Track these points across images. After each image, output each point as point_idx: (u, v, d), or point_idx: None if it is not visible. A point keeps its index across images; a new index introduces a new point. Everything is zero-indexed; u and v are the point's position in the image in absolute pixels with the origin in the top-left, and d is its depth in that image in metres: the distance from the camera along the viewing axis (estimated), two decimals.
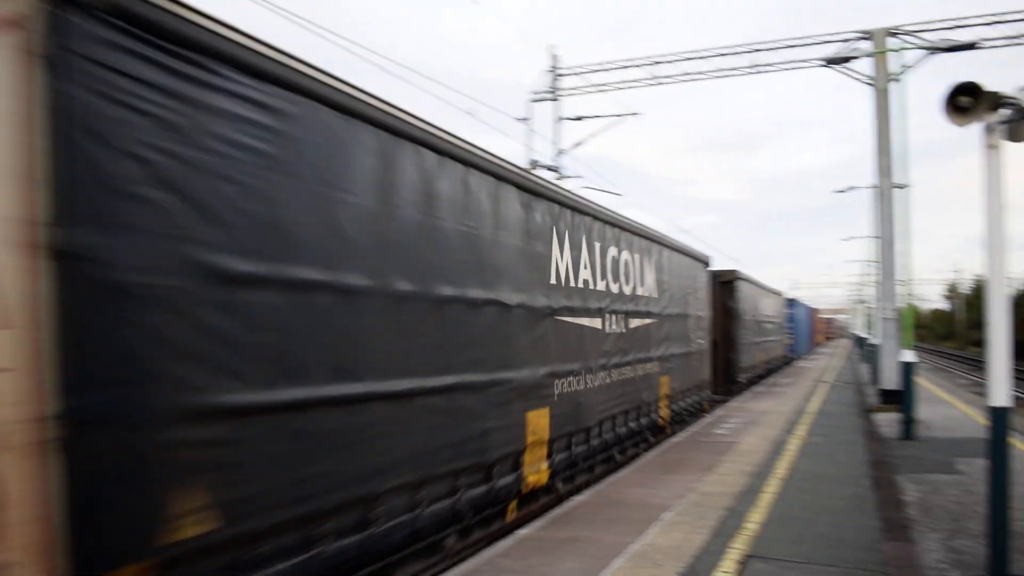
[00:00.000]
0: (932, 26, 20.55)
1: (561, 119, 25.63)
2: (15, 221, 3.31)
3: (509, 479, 7.70)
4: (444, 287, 6.47)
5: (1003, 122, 6.13)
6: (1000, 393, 6.14)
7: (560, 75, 25.18)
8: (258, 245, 4.71)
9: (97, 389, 3.72)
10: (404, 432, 5.96)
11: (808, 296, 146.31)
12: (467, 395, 6.83)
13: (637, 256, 11.60)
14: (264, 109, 4.85)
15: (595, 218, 9.85)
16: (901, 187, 16.52)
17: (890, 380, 19.90)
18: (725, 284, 22.56)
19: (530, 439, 8.06)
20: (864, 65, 20.61)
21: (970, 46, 20.27)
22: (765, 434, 15.75)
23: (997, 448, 6.30)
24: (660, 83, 23.61)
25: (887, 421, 17.73)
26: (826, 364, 44.70)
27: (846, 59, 19.56)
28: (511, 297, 7.61)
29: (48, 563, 3.28)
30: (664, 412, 13.65)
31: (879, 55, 20.14)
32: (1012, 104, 6.11)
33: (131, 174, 4.05)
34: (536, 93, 25.36)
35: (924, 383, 29.59)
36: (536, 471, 8.31)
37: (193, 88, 4.44)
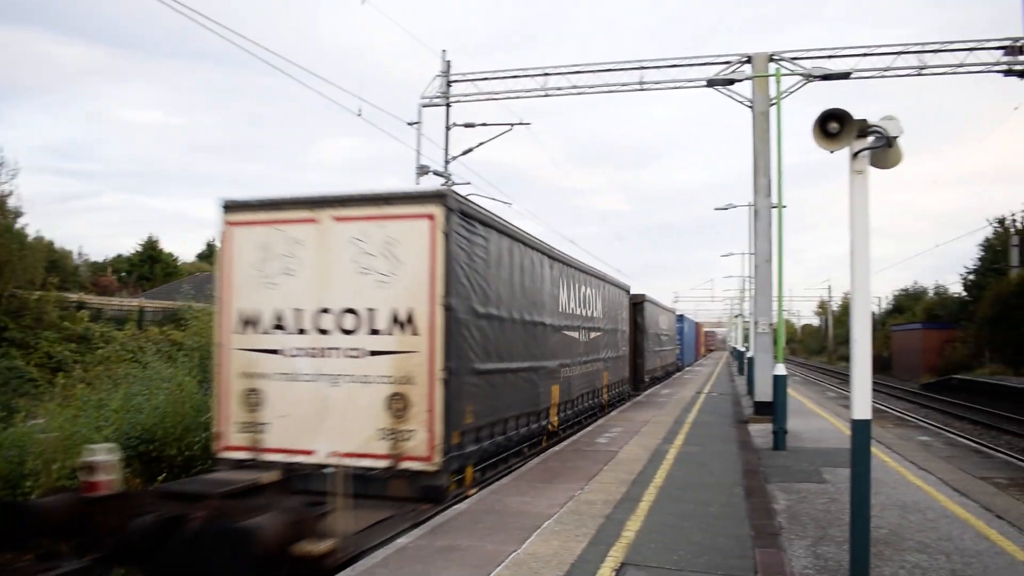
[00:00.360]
0: (810, 53, 21.56)
1: (452, 125, 25.69)
2: (436, 295, 8.40)
3: (544, 422, 13.46)
4: (526, 315, 11.95)
5: (869, 148, 6.48)
6: (862, 406, 6.48)
7: (452, 81, 25.22)
8: (485, 299, 9.98)
9: (452, 360, 8.58)
10: (516, 389, 11.49)
11: (688, 309, 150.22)
12: (533, 373, 12.38)
13: (592, 290, 17.65)
14: (485, 239, 10.16)
15: (576, 268, 15.81)
16: (776, 207, 17.23)
17: (763, 392, 20.69)
18: (636, 305, 28.16)
19: (552, 401, 14.01)
20: (746, 88, 21.44)
21: (844, 76, 21.36)
22: (645, 443, 16.12)
23: (859, 458, 6.63)
24: (550, 95, 23.95)
25: (760, 432, 18.43)
26: (706, 375, 46.11)
27: (729, 81, 20.29)
28: (547, 319, 13.28)
29: (430, 430, 8.02)
30: (605, 396, 20.21)
31: (758, 79, 20.99)
32: (877, 132, 6.46)
33: (459, 273, 9.05)
34: (427, 98, 25.33)
35: (796, 396, 30.86)
36: (553, 421, 14.36)
37: (472, 234, 9.61)
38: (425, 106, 25.23)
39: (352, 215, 8.70)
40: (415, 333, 8.52)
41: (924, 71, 21.80)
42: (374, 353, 8.48)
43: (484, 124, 25.69)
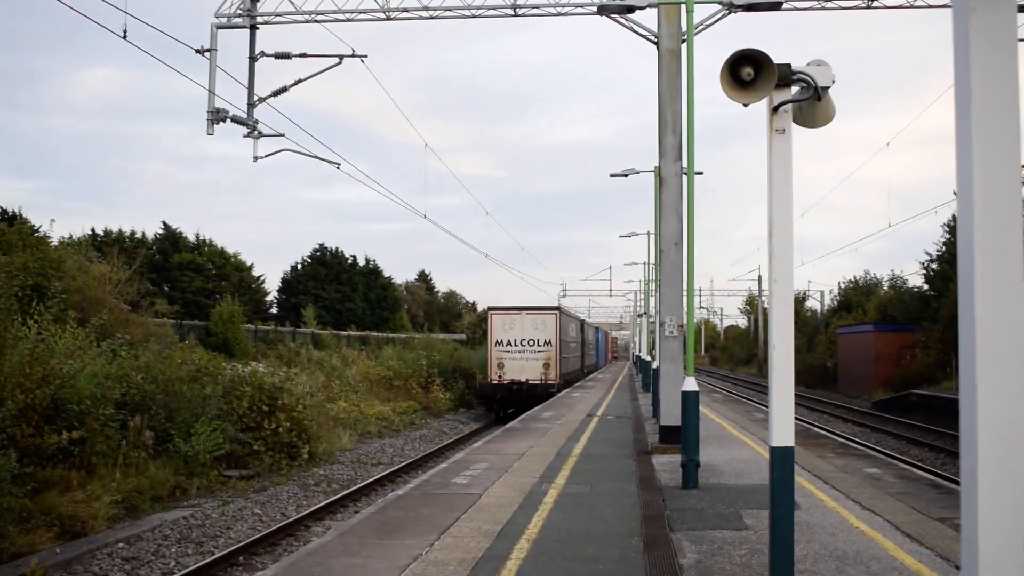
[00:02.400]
0: None
1: (259, 55, 25.17)
2: (556, 336, 48.68)
3: (584, 366, 66.97)
4: (571, 341, 56.80)
5: (792, 101, 6.69)
6: (782, 429, 6.80)
7: None
8: (565, 338, 51.84)
9: (560, 355, 48.43)
10: (570, 362, 55.40)
11: (580, 306, 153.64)
12: (589, 357, 74.83)
13: (575, 324, 59.64)
14: (568, 317, 56.70)
15: (580, 320, 65.97)
16: (687, 174, 17.77)
17: (671, 414, 21.33)
18: (582, 324, 67.20)
19: (575, 367, 59.86)
20: (650, 18, 21.97)
21: (775, 5, 22.09)
22: (517, 483, 16.39)
23: (780, 497, 6.96)
24: (393, 18, 23.91)
25: (667, 465, 19.00)
26: (602, 392, 47.08)
27: (627, 8, 20.65)
28: (579, 344, 62.45)
29: (556, 373, 46.23)
30: (578, 373, 61.92)
31: (667, 6, 21.48)
32: (803, 80, 6.68)
33: (561, 330, 50.23)
34: (224, 16, 24.82)
35: (714, 417, 31.91)
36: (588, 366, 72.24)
37: (566, 317, 54.61)
38: (221, 27, 24.70)
39: (531, 312, 47.20)
40: (550, 347, 45.94)
41: (874, 4, 22.87)
42: (537, 351, 45.94)
43: (304, 55, 25.29)
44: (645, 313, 60.48)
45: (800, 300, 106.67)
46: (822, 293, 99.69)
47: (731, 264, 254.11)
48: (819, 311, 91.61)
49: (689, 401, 16.61)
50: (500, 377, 46.34)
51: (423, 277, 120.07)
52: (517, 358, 47.09)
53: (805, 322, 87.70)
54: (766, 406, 44.24)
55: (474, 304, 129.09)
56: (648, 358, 50.85)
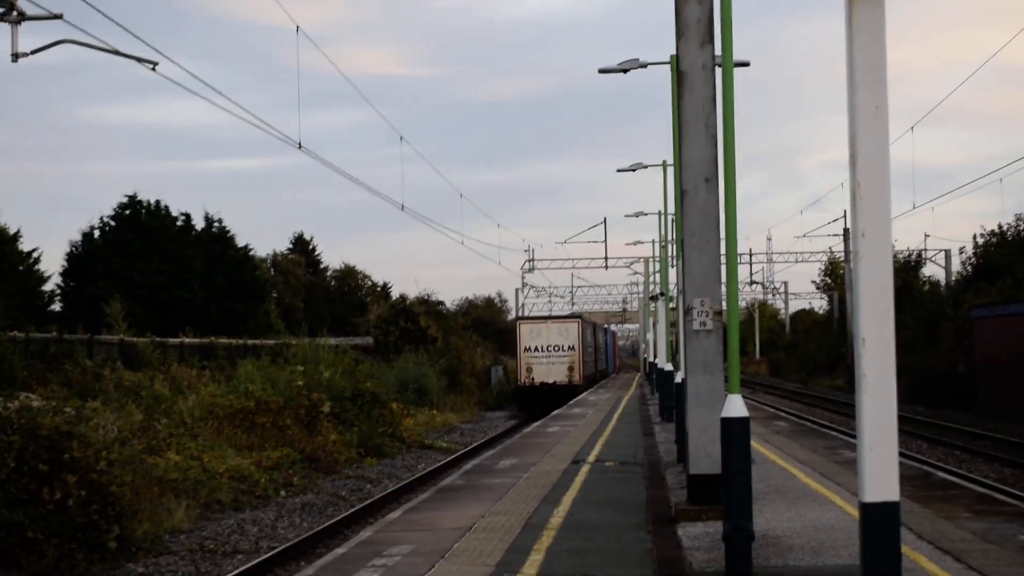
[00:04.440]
0: None
1: None
2: (578, 341, 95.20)
3: (602, 368, 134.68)
4: (589, 345, 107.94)
5: None
6: (879, 474, 6.79)
7: None
8: (585, 343, 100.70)
9: (583, 359, 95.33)
10: (591, 362, 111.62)
11: (558, 283, 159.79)
12: (600, 362, 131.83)
13: (591, 329, 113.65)
14: (588, 324, 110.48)
15: (593, 324, 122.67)
16: (726, 65, 17.74)
17: (705, 455, 21.37)
18: (594, 328, 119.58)
19: (598, 368, 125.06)
20: None
21: None
22: None
23: None
24: None
25: (701, 539, 19.10)
26: (598, 419, 47.12)
27: None
28: (596, 347, 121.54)
29: (579, 375, 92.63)
30: (596, 375, 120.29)
31: None
32: None
33: (583, 335, 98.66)
34: None
35: (777, 459, 32.06)
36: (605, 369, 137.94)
37: (584, 323, 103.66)
38: None
39: (555, 321, 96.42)
40: (573, 351, 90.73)
41: None
42: (562, 356, 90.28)
43: None
44: (662, 294, 60.23)
45: (910, 265, 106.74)
46: (947, 254, 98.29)
47: (799, 211, 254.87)
48: (943, 282, 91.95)
49: (735, 434, 16.64)
50: (532, 380, 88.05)
51: (302, 246, 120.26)
52: (544, 362, 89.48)
53: (921, 301, 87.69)
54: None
55: (385, 288, 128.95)
56: (667, 367, 50.96)
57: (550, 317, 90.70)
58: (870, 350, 6.98)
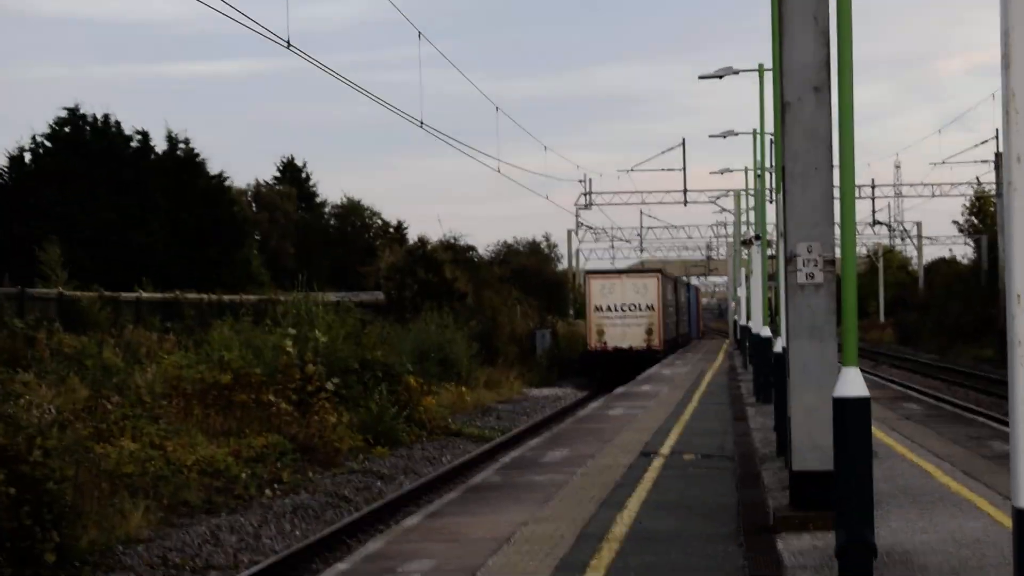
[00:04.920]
0: None
1: None
2: (658, 300, 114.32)
3: (686, 331, 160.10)
4: (675, 313, 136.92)
5: None
6: None
7: None
8: (667, 301, 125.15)
9: (664, 319, 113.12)
10: (676, 323, 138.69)
11: (623, 227, 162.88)
12: (683, 324, 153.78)
13: (672, 286, 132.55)
14: (669, 280, 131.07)
15: (675, 280, 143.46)
16: None
17: (813, 446, 21.33)
18: (675, 284, 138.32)
19: (681, 331, 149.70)
20: None
21: None
22: None
23: None
24: None
25: (807, 555, 19.11)
26: (675, 399, 47.16)
27: None
28: (678, 307, 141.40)
29: (659, 338, 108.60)
30: (680, 339, 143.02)
31: None
32: None
33: (663, 292, 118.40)
34: None
35: (906, 452, 32.03)
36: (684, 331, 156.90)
37: (665, 279, 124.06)
38: None
39: (631, 276, 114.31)
40: (652, 311, 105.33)
41: None
42: (640, 316, 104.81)
43: None
44: (757, 238, 60.08)
45: None
46: None
47: (937, 131, 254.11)
48: None
49: (852, 420, 16.64)
50: (604, 344, 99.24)
51: (292, 174, 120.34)
52: (619, 324, 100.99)
53: None
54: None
55: (400, 229, 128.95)
56: (764, 331, 50.83)
57: (625, 271, 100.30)
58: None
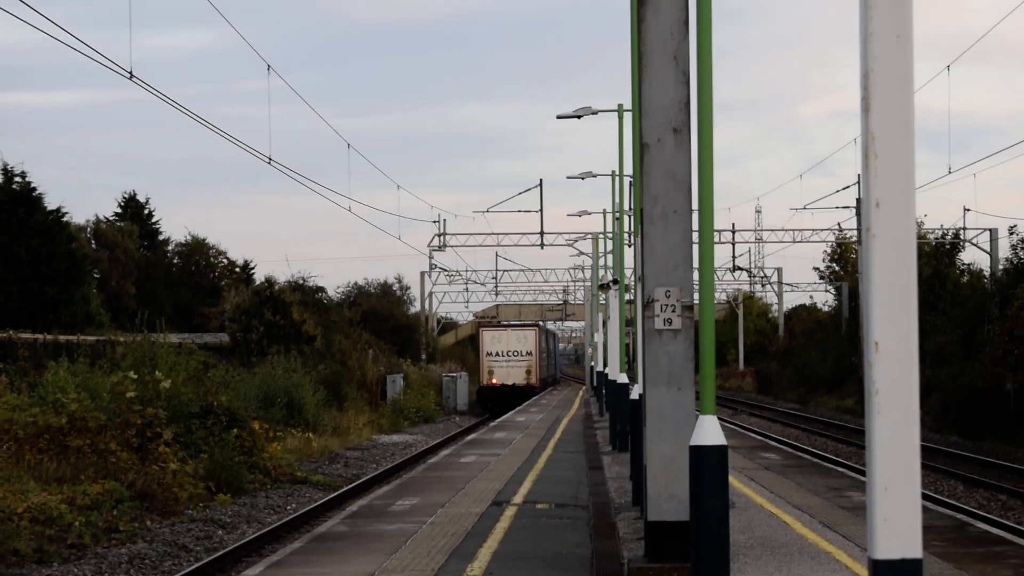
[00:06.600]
0: None
1: None
2: (535, 348, 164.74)
3: (554, 374, 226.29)
4: (544, 352, 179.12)
5: None
6: (894, 523, 6.84)
7: None
8: (541, 348, 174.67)
9: (539, 363, 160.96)
10: (547, 367, 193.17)
11: (476, 269, 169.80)
12: (552, 367, 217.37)
13: (544, 334, 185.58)
14: (544, 333, 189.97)
15: (548, 331, 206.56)
16: None
17: (670, 496, 21.44)
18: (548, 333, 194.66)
19: (550, 373, 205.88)
20: None
21: None
22: None
23: None
24: None
25: None
26: (527, 448, 47.23)
27: None
28: (549, 353, 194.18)
29: (536, 377, 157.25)
30: (549, 379, 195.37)
31: None
32: None
33: (539, 342, 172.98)
34: None
35: (764, 503, 32.29)
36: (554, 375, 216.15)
37: (540, 331, 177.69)
38: None
39: (515, 328, 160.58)
40: (531, 356, 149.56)
41: None
42: (520, 360, 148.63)
43: None
44: (615, 282, 60.59)
45: (944, 249, 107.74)
46: (992, 234, 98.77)
47: (798, 175, 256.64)
48: (987, 272, 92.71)
49: (708, 468, 16.76)
50: (494, 381, 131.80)
51: (134, 210, 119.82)
52: (504, 366, 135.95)
53: (957, 296, 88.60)
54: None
55: (247, 268, 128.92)
56: (621, 378, 51.05)
57: (510, 325, 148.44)
58: (885, 359, 7.05)
